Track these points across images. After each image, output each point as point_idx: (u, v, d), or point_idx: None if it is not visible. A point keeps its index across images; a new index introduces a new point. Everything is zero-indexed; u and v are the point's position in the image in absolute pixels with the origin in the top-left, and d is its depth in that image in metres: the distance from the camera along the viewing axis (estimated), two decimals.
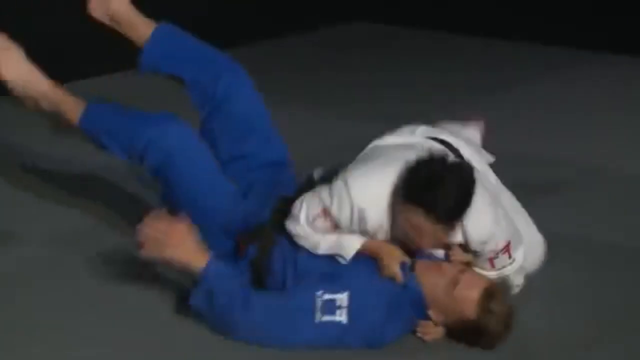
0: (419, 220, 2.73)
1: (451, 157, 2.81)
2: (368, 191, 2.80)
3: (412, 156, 2.79)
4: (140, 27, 3.25)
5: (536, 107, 5.39)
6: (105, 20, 3.32)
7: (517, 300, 3.02)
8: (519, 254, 2.99)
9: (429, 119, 4.91)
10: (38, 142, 4.45)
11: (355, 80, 5.87)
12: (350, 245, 2.86)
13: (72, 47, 5.31)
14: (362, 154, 3.03)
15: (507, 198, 3.18)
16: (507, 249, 2.92)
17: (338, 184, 2.82)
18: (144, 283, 3.17)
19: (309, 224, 2.85)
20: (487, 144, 4.02)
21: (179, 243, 2.78)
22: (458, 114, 5.17)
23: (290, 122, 4.94)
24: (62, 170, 4.18)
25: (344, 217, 2.80)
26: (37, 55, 3.23)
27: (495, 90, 5.64)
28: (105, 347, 2.87)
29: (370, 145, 3.07)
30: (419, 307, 2.86)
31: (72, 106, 3.05)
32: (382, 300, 2.83)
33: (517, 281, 3.08)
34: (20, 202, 3.85)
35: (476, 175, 2.81)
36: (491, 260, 2.94)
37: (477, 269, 2.97)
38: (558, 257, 3.38)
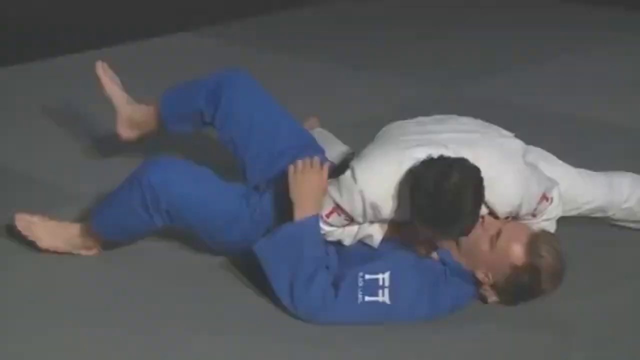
0: (434, 234, 2.73)
1: (454, 170, 2.64)
2: (378, 183, 2.76)
3: (420, 152, 2.73)
4: (153, 108, 3.36)
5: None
6: (136, 133, 3.40)
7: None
8: (554, 193, 2.91)
9: (498, 79, 4.82)
10: None
11: (414, 41, 5.65)
12: (374, 232, 2.87)
13: None
14: (376, 137, 2.96)
15: (534, 152, 3.09)
16: (542, 197, 2.86)
17: (346, 177, 2.80)
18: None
19: (325, 223, 2.85)
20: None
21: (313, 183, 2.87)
22: (529, 73, 5.08)
23: (354, 84, 4.85)
24: None
25: (356, 210, 2.79)
26: None
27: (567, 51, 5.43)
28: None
29: (384, 128, 2.99)
30: (464, 278, 2.83)
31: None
32: (423, 278, 2.81)
33: (551, 229, 2.96)
34: None
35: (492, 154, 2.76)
36: (532, 215, 2.88)
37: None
38: None
